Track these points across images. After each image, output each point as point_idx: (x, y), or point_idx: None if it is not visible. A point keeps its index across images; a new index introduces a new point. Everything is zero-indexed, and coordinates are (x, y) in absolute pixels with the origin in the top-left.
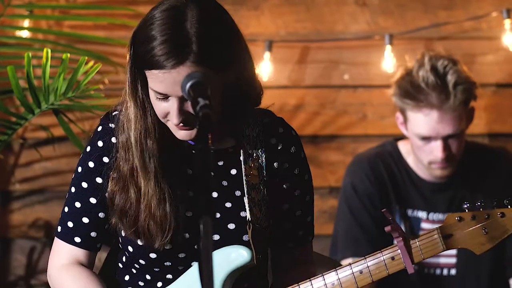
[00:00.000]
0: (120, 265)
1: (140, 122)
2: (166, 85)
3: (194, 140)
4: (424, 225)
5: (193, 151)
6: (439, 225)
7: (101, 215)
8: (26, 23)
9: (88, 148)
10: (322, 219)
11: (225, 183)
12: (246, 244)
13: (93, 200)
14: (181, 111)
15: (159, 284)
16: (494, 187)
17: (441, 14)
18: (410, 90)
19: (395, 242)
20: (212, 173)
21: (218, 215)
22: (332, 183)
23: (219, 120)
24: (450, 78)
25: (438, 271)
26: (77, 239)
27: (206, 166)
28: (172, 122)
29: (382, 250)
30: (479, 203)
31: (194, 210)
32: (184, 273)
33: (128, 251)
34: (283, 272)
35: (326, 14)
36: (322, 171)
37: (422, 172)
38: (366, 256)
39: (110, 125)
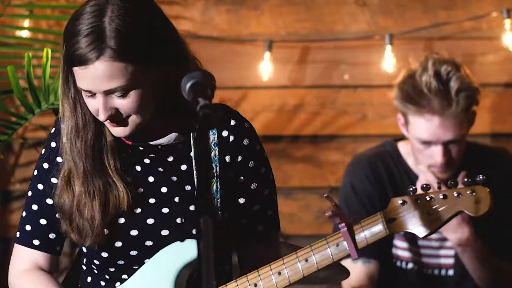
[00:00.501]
0: (84, 267)
1: (71, 122)
2: (88, 82)
3: (128, 138)
4: None
5: (130, 150)
6: None
7: (58, 215)
8: (26, 23)
9: (43, 151)
10: (321, 219)
11: (174, 178)
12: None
13: (49, 201)
14: (106, 107)
15: (117, 284)
16: (494, 187)
17: (441, 14)
18: (412, 95)
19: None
20: (161, 169)
21: (167, 210)
22: (332, 183)
23: (159, 116)
24: (453, 85)
25: (437, 272)
26: (36, 242)
27: (206, 166)
28: (100, 119)
29: (327, 237)
30: (424, 186)
31: (143, 207)
32: (136, 272)
33: (83, 252)
34: (245, 269)
35: (326, 14)
36: (322, 171)
37: (421, 172)
38: (311, 244)
39: (61, 125)
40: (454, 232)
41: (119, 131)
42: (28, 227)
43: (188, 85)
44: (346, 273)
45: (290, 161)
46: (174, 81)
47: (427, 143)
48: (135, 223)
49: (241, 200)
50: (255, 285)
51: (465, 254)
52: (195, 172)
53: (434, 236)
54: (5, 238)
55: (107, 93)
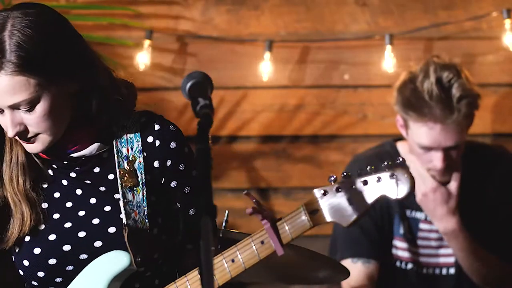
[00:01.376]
0: None
1: None
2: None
3: (45, 153)
4: (423, 226)
5: (54, 165)
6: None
7: None
8: None
9: None
10: None
11: (103, 188)
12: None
13: None
14: (14, 122)
15: None
16: (494, 185)
17: (441, 14)
18: (414, 102)
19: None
20: (89, 181)
21: (97, 220)
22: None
23: (77, 127)
24: (455, 92)
25: (437, 271)
26: None
27: (206, 166)
28: (8, 135)
29: (251, 235)
30: (344, 174)
31: (73, 220)
32: (69, 286)
33: (20, 274)
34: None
35: (326, 14)
36: (322, 171)
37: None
38: (236, 244)
39: None
40: (441, 222)
41: (31, 147)
42: None
43: (188, 85)
44: (346, 273)
45: (290, 161)
46: (86, 91)
47: (427, 148)
48: (67, 237)
49: (176, 206)
50: None
51: (452, 243)
52: (118, 181)
53: (433, 236)
54: None
55: (13, 107)
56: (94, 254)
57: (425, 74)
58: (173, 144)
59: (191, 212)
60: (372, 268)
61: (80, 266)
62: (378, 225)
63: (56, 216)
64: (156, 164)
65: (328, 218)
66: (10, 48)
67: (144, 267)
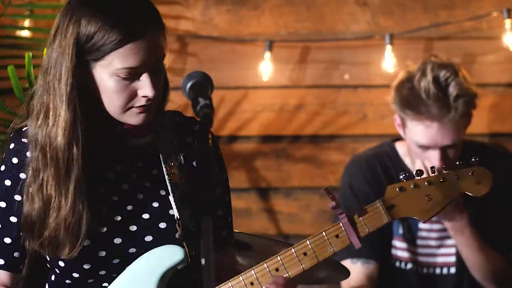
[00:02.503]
0: (47, 286)
1: (69, 127)
2: (142, 56)
3: (145, 123)
4: (422, 226)
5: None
6: (438, 225)
7: (22, 234)
8: (27, 23)
9: (3, 167)
10: (322, 219)
11: (148, 184)
12: (179, 242)
13: (13, 219)
14: (155, 84)
15: None
16: (494, 185)
17: (441, 14)
18: (411, 100)
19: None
20: (135, 176)
21: (147, 215)
22: (332, 183)
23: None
24: (452, 91)
25: (438, 271)
26: (1, 261)
27: (208, 165)
28: (149, 96)
29: (324, 229)
30: (418, 171)
31: (123, 214)
32: (117, 279)
33: (59, 266)
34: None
35: (326, 14)
36: (322, 171)
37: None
38: (308, 238)
39: (23, 140)
40: (449, 218)
41: (144, 117)
42: None
43: (189, 85)
44: (346, 273)
45: (290, 161)
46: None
47: (424, 147)
48: (118, 231)
49: (220, 212)
50: (252, 283)
51: (458, 239)
52: (166, 176)
53: (433, 235)
54: None
55: (155, 65)
56: (143, 248)
57: (423, 73)
58: (211, 148)
59: (219, 213)
60: (372, 269)
61: (127, 259)
62: None
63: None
64: (194, 163)
65: (406, 213)
66: (156, 10)
67: (195, 262)
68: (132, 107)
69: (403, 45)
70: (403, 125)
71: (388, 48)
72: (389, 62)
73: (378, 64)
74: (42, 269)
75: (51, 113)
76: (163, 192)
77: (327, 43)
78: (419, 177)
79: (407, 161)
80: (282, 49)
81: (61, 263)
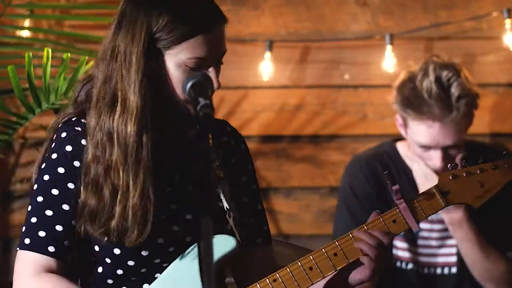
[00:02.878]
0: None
1: (140, 115)
2: (212, 45)
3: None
4: (423, 225)
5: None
6: (439, 226)
7: (73, 222)
8: (27, 23)
9: (54, 155)
10: (322, 219)
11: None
12: (230, 232)
13: (65, 207)
14: (218, 75)
15: (145, 285)
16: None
17: (441, 14)
18: (412, 100)
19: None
20: (184, 167)
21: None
22: (332, 183)
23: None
24: (454, 91)
25: (438, 271)
26: (51, 249)
27: (208, 166)
28: (216, 87)
29: (381, 215)
30: (463, 162)
31: (178, 203)
32: (168, 269)
33: (113, 255)
34: (252, 269)
35: (326, 14)
36: (322, 171)
37: (414, 162)
38: (365, 224)
39: (76, 128)
40: (448, 212)
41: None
42: (41, 233)
43: (189, 85)
44: None
45: (290, 161)
46: None
47: (426, 147)
48: (174, 218)
49: (245, 200)
50: (310, 268)
51: (457, 233)
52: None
53: (433, 235)
54: (6, 238)
55: (220, 57)
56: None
57: (425, 73)
58: (243, 145)
59: (259, 207)
60: None
61: (183, 248)
62: None
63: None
64: (232, 160)
65: (460, 199)
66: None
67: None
68: None
69: (403, 45)
70: (405, 125)
71: (388, 48)
72: (389, 62)
73: (378, 64)
74: (86, 263)
75: (119, 100)
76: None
77: (327, 43)
78: (465, 165)
79: (407, 161)
80: (282, 49)
81: (117, 251)
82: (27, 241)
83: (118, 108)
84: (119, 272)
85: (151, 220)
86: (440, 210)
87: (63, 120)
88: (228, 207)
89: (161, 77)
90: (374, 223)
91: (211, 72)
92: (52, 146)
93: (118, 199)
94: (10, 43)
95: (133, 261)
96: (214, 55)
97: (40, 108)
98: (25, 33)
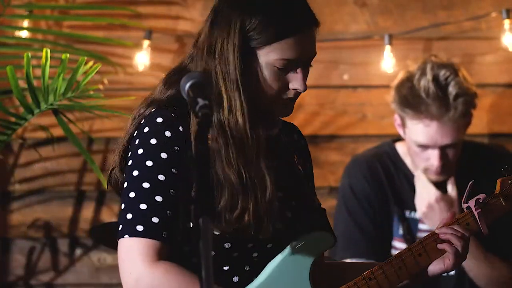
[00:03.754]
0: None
1: (249, 111)
2: (303, 48)
3: (287, 116)
4: (422, 226)
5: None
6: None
7: (179, 207)
8: (26, 23)
9: (154, 141)
10: None
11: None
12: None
13: (172, 192)
14: (305, 78)
15: (235, 279)
16: (493, 185)
17: (440, 14)
18: (410, 99)
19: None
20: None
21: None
22: (332, 183)
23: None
24: (452, 90)
25: None
26: (165, 234)
27: (206, 165)
28: (299, 90)
29: (456, 219)
30: None
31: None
32: (269, 266)
33: (223, 248)
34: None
35: (325, 14)
36: (322, 171)
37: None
38: (446, 225)
39: (173, 114)
40: None
41: (290, 110)
42: (155, 219)
43: (188, 85)
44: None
45: None
46: None
47: (424, 147)
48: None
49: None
50: (420, 255)
51: (470, 262)
52: (298, 165)
53: None
54: (5, 238)
55: (309, 60)
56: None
57: (422, 72)
58: (308, 149)
59: (322, 212)
60: None
61: (281, 245)
62: (377, 226)
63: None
64: (301, 161)
65: None
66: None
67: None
68: (281, 98)
69: (402, 45)
70: (403, 124)
71: (387, 48)
72: (388, 62)
73: (377, 64)
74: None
75: (224, 97)
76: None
77: (326, 43)
78: None
79: (407, 161)
80: None
81: (227, 245)
82: (140, 228)
83: (225, 106)
84: (226, 268)
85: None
86: (504, 214)
87: (154, 106)
88: (319, 202)
89: (254, 76)
90: (453, 223)
91: (298, 74)
92: (146, 131)
93: (241, 195)
94: (9, 43)
95: (251, 243)
96: (303, 57)
97: (39, 108)
98: (24, 34)
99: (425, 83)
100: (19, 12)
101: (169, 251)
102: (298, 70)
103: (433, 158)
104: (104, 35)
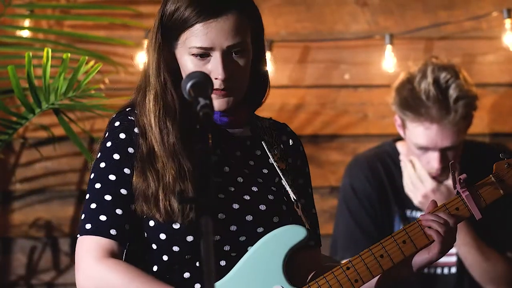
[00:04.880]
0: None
1: (160, 102)
2: (212, 36)
3: (227, 110)
4: None
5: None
6: None
7: (132, 207)
8: (27, 22)
9: (109, 143)
10: (322, 219)
11: (246, 170)
12: (275, 225)
13: (123, 191)
14: (226, 66)
15: (186, 275)
16: None
17: (441, 14)
18: (410, 102)
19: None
20: (233, 161)
21: (248, 197)
22: (332, 183)
23: (241, 103)
24: (452, 93)
25: (438, 271)
26: (113, 231)
27: (206, 166)
28: (219, 78)
29: (445, 203)
30: None
31: (225, 192)
32: (241, 261)
33: (160, 240)
34: (304, 270)
35: (326, 14)
36: (322, 171)
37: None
38: (430, 212)
39: (129, 117)
40: None
41: (222, 102)
42: (103, 217)
43: (189, 85)
44: None
45: None
46: (254, 72)
47: (424, 149)
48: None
49: (302, 201)
50: (381, 256)
51: (458, 244)
52: (274, 163)
53: None
54: (6, 238)
55: (229, 49)
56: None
57: (423, 74)
58: (301, 148)
59: (314, 211)
60: None
61: (226, 238)
62: (378, 226)
63: (221, 196)
64: (289, 160)
65: None
66: None
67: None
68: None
69: (403, 45)
70: (403, 126)
71: (388, 48)
72: (389, 62)
73: (378, 64)
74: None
75: (146, 88)
76: (260, 180)
77: (327, 43)
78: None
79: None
80: (282, 49)
81: (175, 248)
82: (88, 226)
83: (149, 96)
84: (176, 249)
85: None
86: (499, 198)
87: (121, 110)
88: (295, 198)
89: (179, 70)
90: (439, 209)
91: (216, 61)
92: (106, 136)
93: (161, 182)
94: (10, 43)
95: (191, 236)
96: (219, 45)
97: (40, 108)
98: (25, 33)
99: (426, 85)
100: (20, 12)
101: (121, 249)
102: (215, 57)
103: (433, 160)
104: (105, 34)
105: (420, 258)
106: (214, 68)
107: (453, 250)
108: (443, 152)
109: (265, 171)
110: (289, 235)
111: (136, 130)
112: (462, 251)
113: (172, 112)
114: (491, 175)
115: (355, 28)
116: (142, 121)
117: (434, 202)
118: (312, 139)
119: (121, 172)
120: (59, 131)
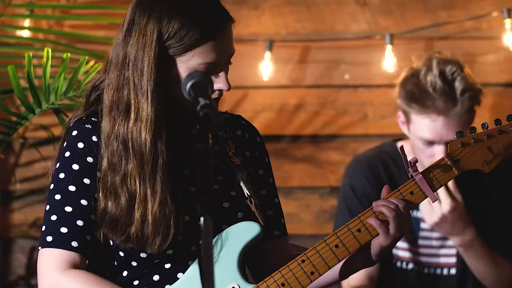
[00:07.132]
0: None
1: (154, 123)
2: (221, 50)
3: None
4: (424, 225)
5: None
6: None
7: (93, 217)
8: (27, 22)
9: (68, 153)
10: (322, 219)
11: (220, 177)
12: (240, 221)
13: (84, 202)
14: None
15: (156, 277)
16: (494, 184)
17: (441, 14)
18: (417, 94)
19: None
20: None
21: (227, 204)
22: (332, 183)
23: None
24: (458, 85)
25: (438, 271)
26: (74, 244)
27: (206, 166)
28: (224, 90)
29: (398, 189)
30: (471, 127)
31: (192, 213)
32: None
33: (126, 249)
34: (271, 261)
35: (326, 14)
36: (322, 171)
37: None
38: (383, 198)
39: (86, 126)
40: (459, 236)
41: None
42: (63, 230)
43: (189, 85)
44: None
45: (291, 161)
46: None
47: (429, 143)
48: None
49: (264, 192)
50: (336, 246)
51: (469, 253)
52: (229, 159)
53: (434, 235)
54: (6, 238)
55: (230, 58)
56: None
57: (428, 67)
58: (258, 138)
59: (276, 200)
60: (372, 269)
61: (184, 253)
62: None
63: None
64: (247, 153)
65: (471, 165)
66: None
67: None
68: None
69: (403, 45)
70: (408, 121)
71: (388, 48)
72: (389, 62)
73: (378, 64)
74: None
75: (132, 108)
76: (220, 177)
77: (327, 43)
78: (471, 134)
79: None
80: (282, 49)
81: (143, 255)
82: (49, 238)
83: (132, 117)
84: (145, 271)
85: (173, 227)
86: (454, 178)
87: (74, 120)
88: (248, 194)
89: (173, 83)
90: (392, 195)
91: (221, 74)
92: (64, 145)
93: (136, 207)
94: (10, 43)
95: (172, 249)
96: (224, 58)
97: (40, 108)
98: (25, 33)
99: (432, 78)
100: (20, 12)
101: (83, 259)
102: (221, 71)
103: (438, 154)
104: (105, 34)
105: (373, 245)
106: (219, 81)
107: (453, 251)
108: (447, 145)
109: (224, 168)
110: (242, 233)
111: (94, 138)
112: (474, 264)
113: (164, 134)
114: (444, 156)
115: (355, 28)
116: (120, 139)
117: (388, 187)
118: (312, 139)
119: (81, 183)
120: (59, 131)
